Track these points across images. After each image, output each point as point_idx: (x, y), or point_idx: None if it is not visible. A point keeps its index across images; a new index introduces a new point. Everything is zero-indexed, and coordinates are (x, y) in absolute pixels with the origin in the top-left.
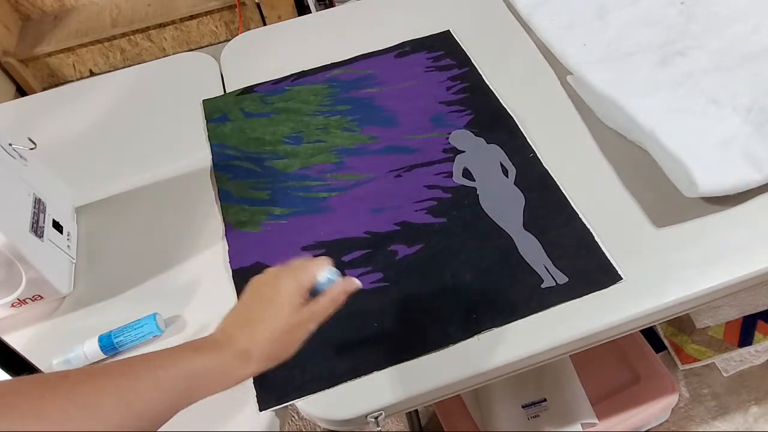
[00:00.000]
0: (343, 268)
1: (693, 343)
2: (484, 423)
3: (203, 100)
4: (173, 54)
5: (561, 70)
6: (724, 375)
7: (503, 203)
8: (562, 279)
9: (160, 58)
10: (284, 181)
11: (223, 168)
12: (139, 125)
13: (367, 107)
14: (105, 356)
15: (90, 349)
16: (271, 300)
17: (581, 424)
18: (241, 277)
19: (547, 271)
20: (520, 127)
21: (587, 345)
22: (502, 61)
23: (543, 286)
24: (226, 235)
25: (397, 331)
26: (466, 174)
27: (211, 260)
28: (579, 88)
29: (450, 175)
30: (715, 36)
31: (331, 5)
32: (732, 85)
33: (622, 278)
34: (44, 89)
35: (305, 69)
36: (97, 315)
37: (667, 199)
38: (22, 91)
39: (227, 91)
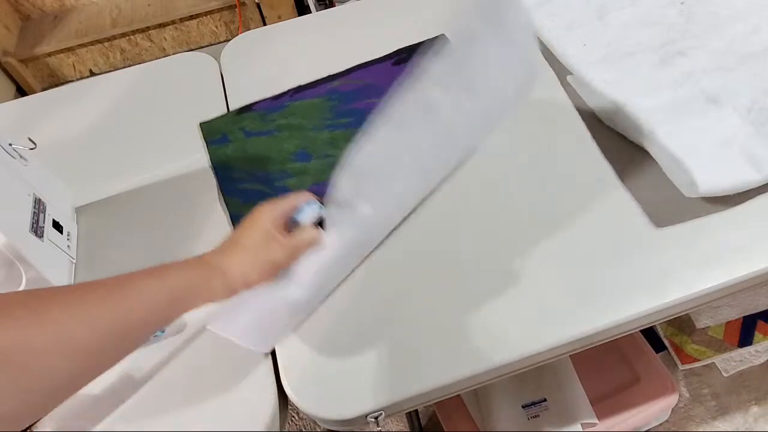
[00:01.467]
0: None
1: (693, 343)
2: (484, 423)
3: (200, 123)
4: (173, 54)
5: (561, 70)
6: (724, 375)
7: None
8: None
9: (160, 58)
10: None
11: (232, 193)
12: (139, 125)
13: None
14: None
15: None
16: (249, 227)
17: (581, 424)
18: None
19: None
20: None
21: (587, 345)
22: None
23: None
24: None
25: None
26: None
27: None
28: (579, 88)
29: None
30: (715, 36)
31: (331, 5)
32: (732, 85)
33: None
34: (44, 89)
35: (304, 78)
36: None
37: (667, 199)
38: (22, 91)
39: (227, 91)
